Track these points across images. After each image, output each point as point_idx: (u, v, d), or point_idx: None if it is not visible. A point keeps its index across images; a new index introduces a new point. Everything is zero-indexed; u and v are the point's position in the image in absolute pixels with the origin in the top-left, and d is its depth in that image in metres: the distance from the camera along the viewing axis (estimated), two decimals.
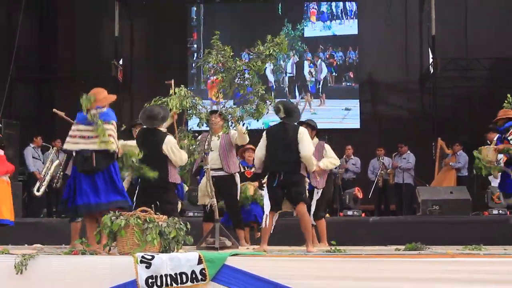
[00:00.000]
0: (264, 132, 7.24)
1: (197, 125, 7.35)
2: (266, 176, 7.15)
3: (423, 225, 9.97)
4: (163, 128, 7.21)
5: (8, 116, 13.59)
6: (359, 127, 16.17)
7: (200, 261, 5.22)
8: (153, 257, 5.24)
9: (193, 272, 5.21)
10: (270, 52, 6.83)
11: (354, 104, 16.27)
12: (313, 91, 16.37)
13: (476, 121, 14.27)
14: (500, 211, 10.77)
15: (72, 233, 7.40)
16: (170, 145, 6.99)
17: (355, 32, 16.48)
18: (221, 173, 7.75)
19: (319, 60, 16.45)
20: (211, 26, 16.12)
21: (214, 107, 7.59)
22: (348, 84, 16.49)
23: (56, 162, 10.81)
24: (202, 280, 5.20)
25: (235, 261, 5.28)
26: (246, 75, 6.89)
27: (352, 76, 16.46)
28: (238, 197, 8.03)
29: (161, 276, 5.19)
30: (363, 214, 11.99)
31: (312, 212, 7.75)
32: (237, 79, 6.91)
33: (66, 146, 6.31)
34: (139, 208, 5.64)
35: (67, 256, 5.55)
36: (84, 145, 6.16)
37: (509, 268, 5.02)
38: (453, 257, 5.27)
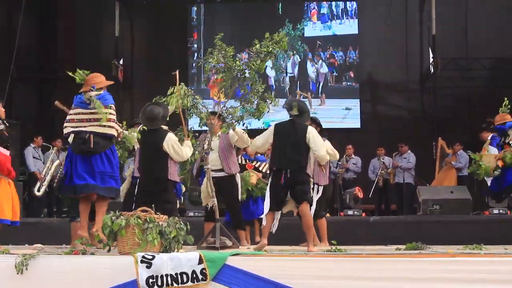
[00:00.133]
0: (273, 127, 7.19)
1: (199, 125, 7.34)
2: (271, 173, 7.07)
3: (424, 224, 9.97)
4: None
5: (8, 116, 13.48)
6: (359, 126, 16.15)
7: (200, 261, 5.21)
8: (153, 257, 5.23)
9: (193, 272, 5.20)
10: (270, 50, 6.82)
11: (355, 104, 16.27)
12: (313, 90, 16.37)
13: (476, 121, 14.17)
14: (501, 211, 10.78)
15: (73, 233, 7.36)
16: (171, 143, 6.98)
17: (355, 32, 16.47)
18: (221, 174, 7.73)
19: (320, 60, 16.45)
20: (211, 26, 16.19)
21: (216, 107, 7.58)
22: (348, 83, 16.48)
23: (57, 162, 10.75)
24: (202, 280, 5.20)
25: (236, 261, 5.28)
26: (247, 75, 6.89)
27: (352, 75, 16.46)
28: (240, 188, 8.00)
29: (161, 276, 5.18)
30: (363, 214, 11.98)
31: (313, 212, 7.73)
32: (237, 78, 6.91)
33: (65, 130, 6.29)
34: (139, 208, 5.63)
35: (68, 256, 5.54)
36: (83, 128, 6.16)
37: (509, 267, 5.02)
38: (454, 257, 5.27)
